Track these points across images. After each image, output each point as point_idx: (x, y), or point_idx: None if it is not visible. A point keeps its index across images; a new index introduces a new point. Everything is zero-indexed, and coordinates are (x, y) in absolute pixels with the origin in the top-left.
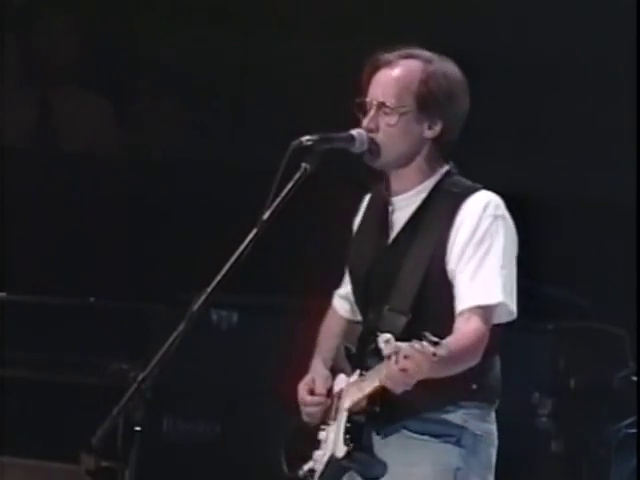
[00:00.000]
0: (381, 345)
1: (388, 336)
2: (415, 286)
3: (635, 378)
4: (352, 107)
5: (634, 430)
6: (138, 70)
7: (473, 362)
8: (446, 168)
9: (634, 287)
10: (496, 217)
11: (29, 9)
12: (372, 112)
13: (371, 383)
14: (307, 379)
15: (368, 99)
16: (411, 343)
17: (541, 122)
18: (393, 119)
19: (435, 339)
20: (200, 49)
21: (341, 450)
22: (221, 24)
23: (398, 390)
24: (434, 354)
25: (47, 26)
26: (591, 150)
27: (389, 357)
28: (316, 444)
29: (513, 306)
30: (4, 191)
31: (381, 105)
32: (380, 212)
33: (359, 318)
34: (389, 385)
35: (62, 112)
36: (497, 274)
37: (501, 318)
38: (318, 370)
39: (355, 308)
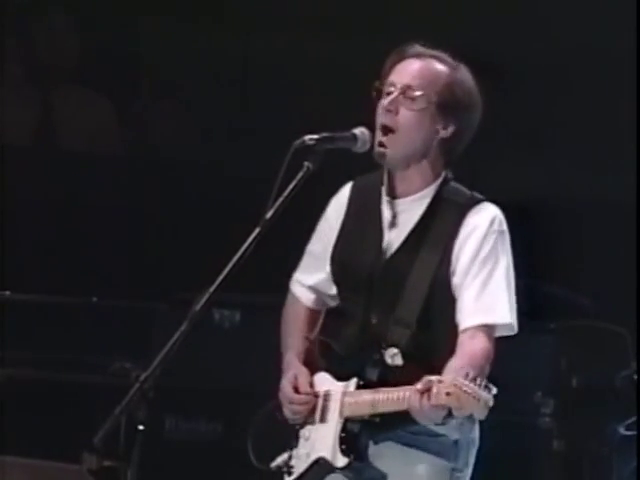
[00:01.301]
0: (388, 360)
1: (395, 351)
2: (421, 298)
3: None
4: (370, 91)
5: (635, 432)
6: (139, 70)
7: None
8: (444, 174)
9: (635, 286)
10: (501, 233)
11: (30, 8)
12: (395, 94)
13: (389, 405)
14: (289, 376)
15: (390, 82)
16: (458, 381)
17: (541, 124)
18: (415, 105)
19: (490, 385)
20: (201, 49)
21: (341, 460)
22: (223, 24)
23: (424, 422)
24: (487, 402)
25: (48, 25)
26: (591, 151)
27: (422, 392)
28: (294, 440)
29: (515, 323)
30: (5, 191)
31: (406, 88)
32: (375, 210)
33: (321, 308)
34: (417, 417)
35: (63, 112)
36: (504, 293)
37: (503, 333)
38: (297, 366)
39: (324, 300)
